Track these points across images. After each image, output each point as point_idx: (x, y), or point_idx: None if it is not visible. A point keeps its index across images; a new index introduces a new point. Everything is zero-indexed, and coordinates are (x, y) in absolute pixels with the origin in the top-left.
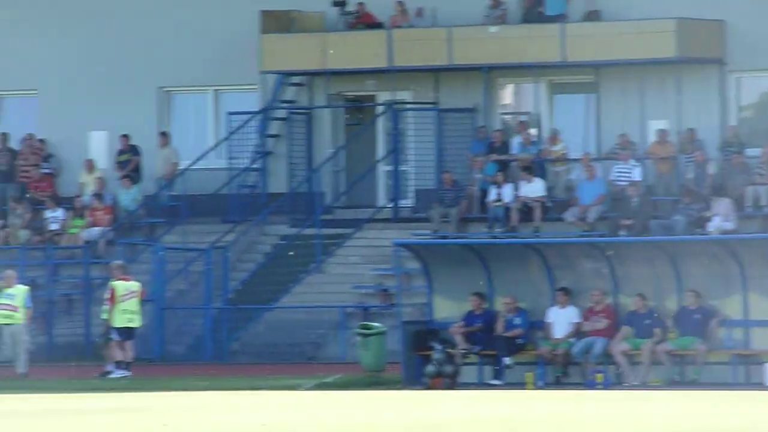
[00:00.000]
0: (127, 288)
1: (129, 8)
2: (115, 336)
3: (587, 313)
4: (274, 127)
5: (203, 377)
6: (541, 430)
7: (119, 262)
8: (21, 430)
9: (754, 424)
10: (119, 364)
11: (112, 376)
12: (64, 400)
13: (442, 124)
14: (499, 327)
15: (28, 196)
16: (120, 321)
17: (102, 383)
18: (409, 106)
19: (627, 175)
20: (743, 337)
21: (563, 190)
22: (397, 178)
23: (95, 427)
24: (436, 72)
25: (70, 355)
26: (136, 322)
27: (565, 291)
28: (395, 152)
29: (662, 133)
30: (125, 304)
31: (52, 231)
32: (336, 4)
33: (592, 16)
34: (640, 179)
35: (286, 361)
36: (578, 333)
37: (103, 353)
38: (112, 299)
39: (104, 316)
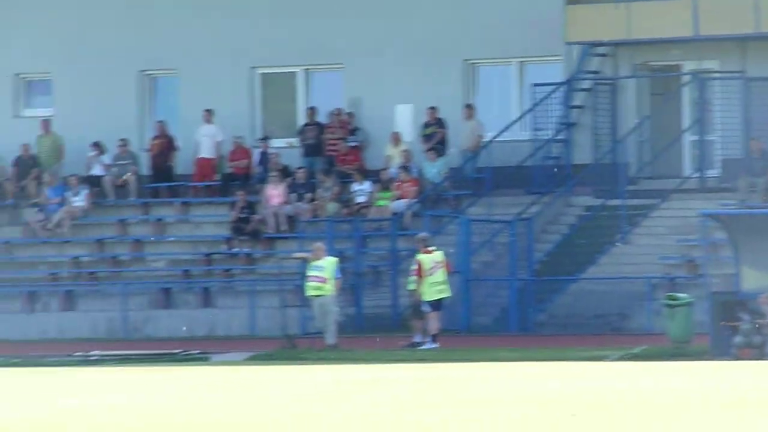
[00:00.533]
0: (432, 260)
1: None
2: (426, 308)
3: None
4: (579, 98)
5: (510, 348)
6: None
7: (423, 234)
8: (336, 400)
9: None
10: (428, 336)
11: (423, 347)
12: (374, 371)
13: (750, 92)
14: None
15: (335, 169)
16: (430, 294)
17: (410, 354)
18: (715, 75)
19: None
20: None
21: None
22: (703, 148)
23: (403, 396)
24: (742, 40)
25: (377, 327)
26: (445, 292)
27: None
28: (701, 122)
29: None
30: (433, 276)
31: (359, 204)
32: None
33: None
34: None
35: (591, 333)
36: None
37: (410, 324)
38: (420, 272)
39: (411, 287)
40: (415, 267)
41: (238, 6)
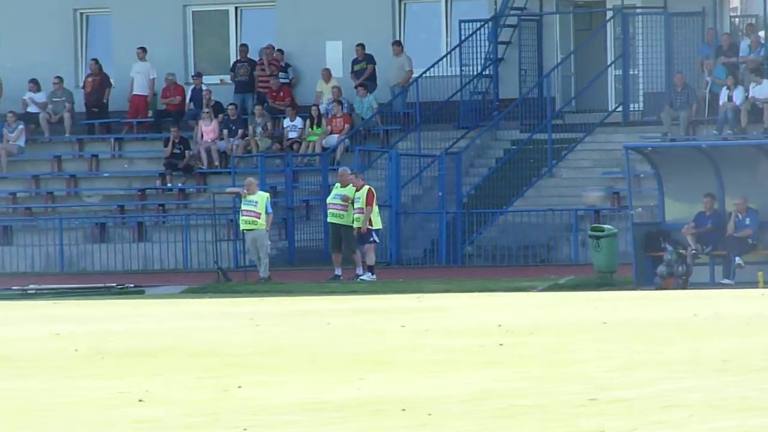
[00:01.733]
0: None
1: None
2: (375, 238)
3: None
4: (505, 35)
5: (439, 280)
6: None
7: (345, 168)
8: (274, 333)
9: None
10: (369, 268)
11: (364, 278)
12: (307, 303)
13: (672, 27)
14: (730, 227)
15: (267, 105)
16: (377, 223)
17: (341, 286)
18: (638, 10)
19: None
20: None
21: None
22: (626, 82)
23: (336, 327)
24: None
25: (309, 260)
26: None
27: None
28: (624, 57)
29: None
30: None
31: (291, 139)
32: None
33: None
34: None
35: (518, 264)
36: None
37: (334, 257)
38: (371, 202)
39: (357, 222)
40: (362, 198)
41: None
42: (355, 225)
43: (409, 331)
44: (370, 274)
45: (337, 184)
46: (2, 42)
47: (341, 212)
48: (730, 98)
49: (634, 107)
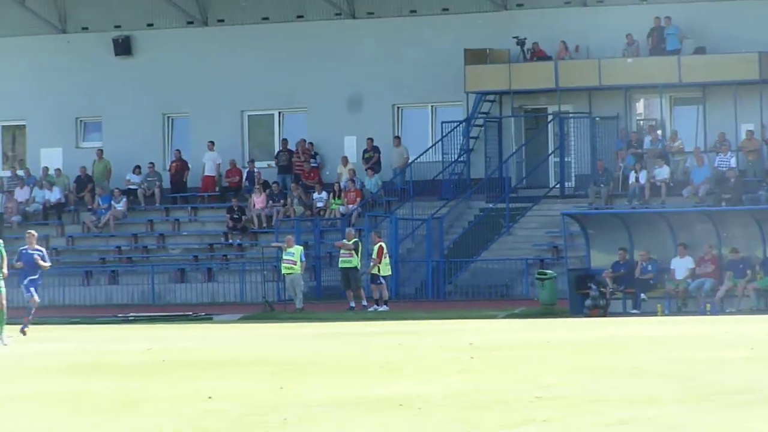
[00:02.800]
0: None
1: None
2: (381, 281)
3: (699, 261)
4: (474, 132)
5: (426, 311)
6: (666, 343)
7: (350, 228)
8: (309, 349)
9: None
10: (378, 302)
11: (379, 310)
12: (336, 327)
13: (595, 128)
14: (637, 272)
15: (301, 183)
16: (385, 270)
17: (357, 315)
18: (571, 115)
19: (726, 162)
20: None
21: (681, 173)
22: (562, 167)
23: (359, 344)
24: (590, 90)
25: (332, 295)
26: (388, 271)
27: (684, 245)
28: (561, 148)
29: (750, 132)
30: (386, 258)
31: (318, 208)
32: (518, 43)
33: (699, 50)
34: (735, 166)
35: (485, 298)
36: (693, 276)
37: (348, 294)
38: (380, 256)
39: (372, 269)
40: (376, 251)
41: (232, 68)
42: (368, 270)
43: (407, 347)
44: (385, 306)
45: (344, 239)
46: (110, 137)
47: (349, 259)
48: (636, 179)
49: (568, 185)
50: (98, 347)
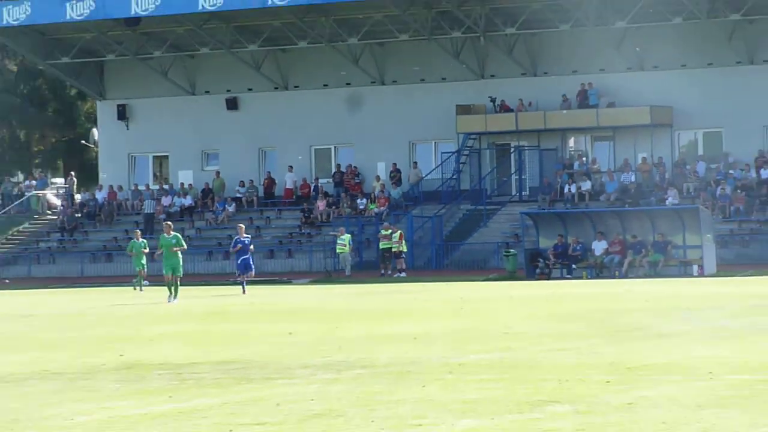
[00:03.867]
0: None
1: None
2: (403, 256)
3: (611, 243)
4: (463, 159)
5: (434, 277)
6: (589, 298)
7: (386, 223)
8: (353, 302)
9: (677, 288)
10: (400, 271)
11: (401, 276)
12: (372, 288)
13: (542, 156)
14: (570, 250)
15: (348, 192)
16: (404, 248)
17: (388, 279)
18: (526, 148)
19: (628, 179)
20: (683, 253)
21: (599, 186)
22: (521, 182)
23: (395, 300)
24: (538, 132)
25: (370, 266)
26: (403, 247)
27: (601, 233)
28: (520, 169)
29: (644, 158)
30: (403, 241)
31: (360, 209)
32: (492, 101)
33: (611, 105)
34: (634, 181)
35: (473, 269)
36: (607, 253)
37: (384, 265)
38: (401, 239)
39: (395, 246)
40: (397, 236)
41: (304, 117)
42: (394, 249)
43: (418, 301)
44: (404, 273)
45: (382, 230)
46: (224, 163)
47: (386, 242)
48: (569, 190)
49: (524, 194)
50: (218, 301)
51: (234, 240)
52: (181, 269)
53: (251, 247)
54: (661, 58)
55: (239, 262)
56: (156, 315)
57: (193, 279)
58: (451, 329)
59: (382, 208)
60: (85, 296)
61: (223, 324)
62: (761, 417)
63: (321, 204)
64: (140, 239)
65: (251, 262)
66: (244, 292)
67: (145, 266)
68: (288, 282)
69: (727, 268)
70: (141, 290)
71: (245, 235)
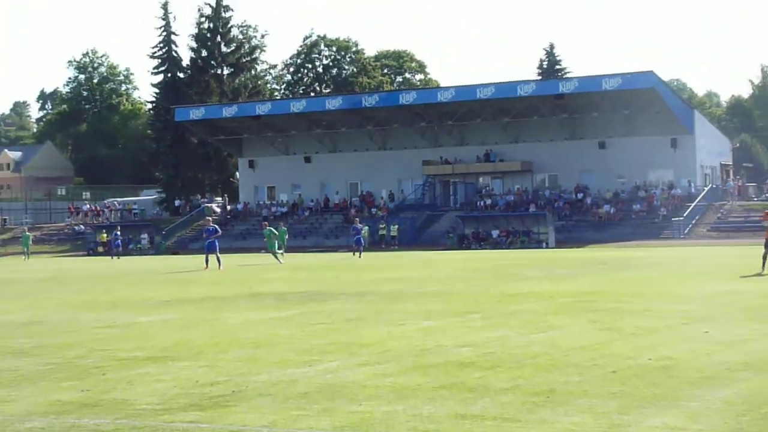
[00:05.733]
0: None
1: None
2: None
3: (501, 231)
4: (426, 188)
5: (410, 249)
6: (490, 259)
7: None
8: (371, 261)
9: (536, 254)
10: (393, 245)
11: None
12: (380, 254)
13: (467, 186)
14: (481, 235)
15: (366, 205)
16: (393, 233)
17: (389, 249)
18: (458, 182)
19: (510, 198)
20: (538, 236)
21: (494, 202)
22: (455, 199)
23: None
24: (464, 174)
25: (377, 244)
26: (395, 232)
27: (496, 226)
28: (455, 194)
29: (518, 188)
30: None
31: (373, 214)
32: (441, 159)
33: (501, 160)
34: (513, 199)
35: (431, 245)
36: (499, 236)
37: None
38: (398, 231)
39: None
40: (395, 228)
41: (344, 167)
42: (392, 234)
43: (399, 259)
44: (396, 247)
45: (380, 225)
46: (303, 189)
47: (382, 231)
48: (481, 203)
49: (457, 206)
50: (296, 260)
51: (205, 228)
52: (276, 245)
53: (218, 233)
54: (528, 135)
55: (206, 244)
56: (269, 268)
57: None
58: (418, 275)
59: (383, 213)
60: (235, 260)
61: (302, 272)
62: (578, 317)
63: (353, 211)
64: (268, 227)
65: (216, 244)
66: (206, 266)
67: (280, 244)
68: (336, 251)
69: (561, 245)
70: (281, 260)
71: (211, 225)
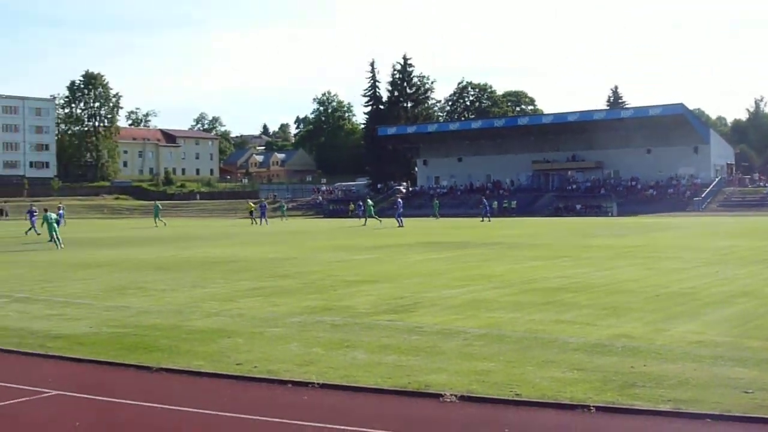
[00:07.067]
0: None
1: None
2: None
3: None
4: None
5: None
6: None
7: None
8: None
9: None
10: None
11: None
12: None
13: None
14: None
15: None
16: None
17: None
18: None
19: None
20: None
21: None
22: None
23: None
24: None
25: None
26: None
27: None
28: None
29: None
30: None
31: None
32: None
33: None
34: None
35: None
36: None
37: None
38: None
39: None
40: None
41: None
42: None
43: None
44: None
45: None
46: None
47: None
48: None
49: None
50: (412, 223)
51: (395, 201)
52: (373, 211)
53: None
54: (599, 144)
55: (397, 213)
56: (431, 225)
57: (445, 216)
58: (528, 233)
59: (506, 194)
60: (412, 222)
61: (453, 230)
62: (630, 260)
63: (487, 192)
64: (369, 201)
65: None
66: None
67: (375, 211)
68: (475, 218)
69: (620, 215)
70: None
71: (399, 199)
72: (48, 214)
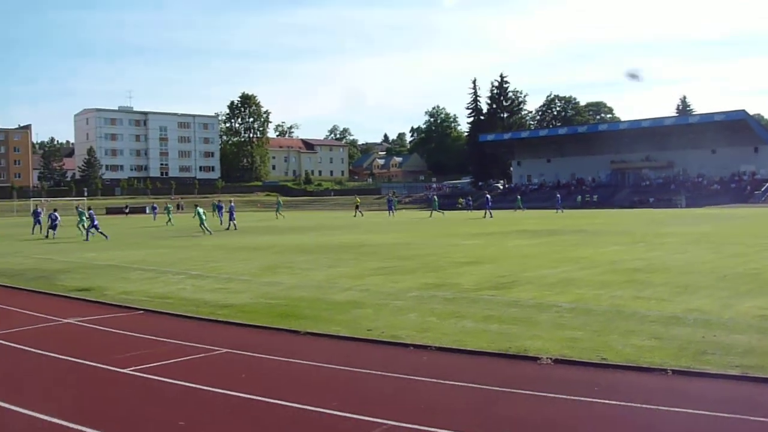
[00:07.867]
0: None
1: None
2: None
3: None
4: None
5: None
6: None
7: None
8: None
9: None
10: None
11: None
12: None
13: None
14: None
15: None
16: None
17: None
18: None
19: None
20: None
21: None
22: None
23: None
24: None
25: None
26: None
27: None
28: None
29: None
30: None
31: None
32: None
33: None
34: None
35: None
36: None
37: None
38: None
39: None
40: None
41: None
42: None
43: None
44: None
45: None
46: (547, 173)
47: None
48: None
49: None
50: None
51: (485, 196)
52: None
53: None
54: (670, 146)
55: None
56: (522, 216)
57: (536, 209)
58: (608, 222)
59: (588, 189)
60: (499, 214)
61: (543, 219)
62: (700, 245)
63: (570, 188)
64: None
65: (489, 203)
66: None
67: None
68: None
69: (689, 207)
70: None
71: (488, 195)
72: (198, 209)
